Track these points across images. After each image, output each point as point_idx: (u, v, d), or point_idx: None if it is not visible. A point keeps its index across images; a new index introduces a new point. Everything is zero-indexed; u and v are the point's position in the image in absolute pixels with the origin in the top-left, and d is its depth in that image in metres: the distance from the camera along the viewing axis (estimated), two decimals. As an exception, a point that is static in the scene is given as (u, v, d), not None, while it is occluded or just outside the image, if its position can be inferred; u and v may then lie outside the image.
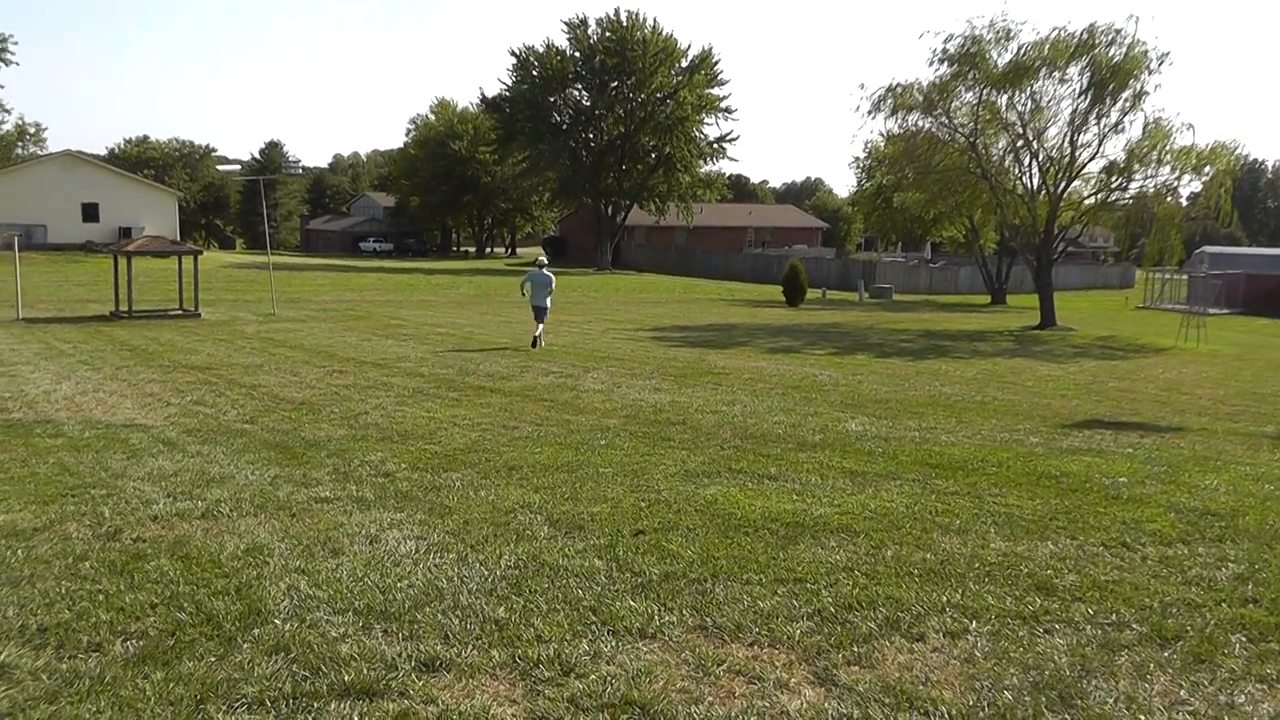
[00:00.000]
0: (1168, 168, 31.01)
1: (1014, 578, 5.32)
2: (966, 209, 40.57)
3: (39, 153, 68.27)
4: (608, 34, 63.09)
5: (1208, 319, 31.89)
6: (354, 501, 6.79)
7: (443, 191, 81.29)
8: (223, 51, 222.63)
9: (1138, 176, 31.73)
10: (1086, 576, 5.37)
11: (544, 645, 4.26)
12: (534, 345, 19.05)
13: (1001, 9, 38.18)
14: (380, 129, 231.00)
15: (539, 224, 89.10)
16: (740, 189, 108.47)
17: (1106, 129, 31.41)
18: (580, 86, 65.56)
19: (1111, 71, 30.06)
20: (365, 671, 3.96)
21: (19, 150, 68.34)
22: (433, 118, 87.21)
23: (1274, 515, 6.93)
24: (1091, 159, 32.41)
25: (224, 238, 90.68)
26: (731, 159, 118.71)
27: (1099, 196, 33.50)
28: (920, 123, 34.02)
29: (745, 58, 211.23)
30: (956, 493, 7.48)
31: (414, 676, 3.95)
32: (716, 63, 65.00)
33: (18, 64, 55.73)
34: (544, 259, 21.24)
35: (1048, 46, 30.81)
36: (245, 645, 4.20)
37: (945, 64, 32.48)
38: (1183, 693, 3.97)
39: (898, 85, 33.48)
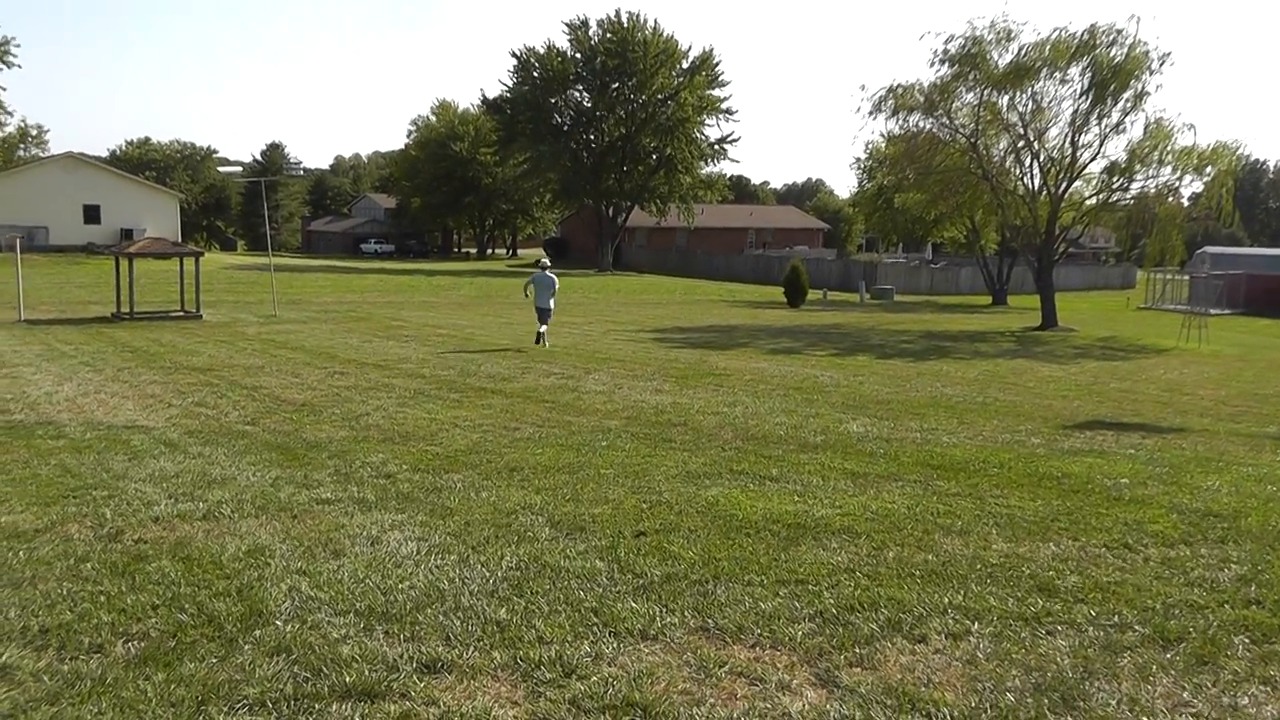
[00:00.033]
0: (1169, 168, 31.00)
1: (1016, 579, 5.31)
2: (967, 210, 40.54)
3: (41, 155, 68.31)
4: (609, 35, 63.12)
5: (1209, 319, 31.87)
6: (355, 503, 6.78)
7: (444, 193, 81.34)
8: (224, 53, 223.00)
9: (1139, 177, 31.72)
10: (1089, 578, 5.36)
11: (545, 647, 4.26)
12: (538, 341, 19.26)
13: (1002, 10, 38.44)
14: (381, 130, 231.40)
15: (540, 225, 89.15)
16: (741, 190, 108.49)
17: (1108, 129, 31.41)
18: (581, 88, 65.59)
19: (1113, 72, 30.03)
20: (366, 673, 3.96)
21: (21, 152, 68.38)
22: (434, 119, 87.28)
23: (1277, 516, 6.92)
24: (1093, 159, 32.42)
25: (225, 239, 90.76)
26: (732, 160, 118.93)
27: (1100, 197, 33.47)
28: (921, 123, 34.01)
29: (746, 59, 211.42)
30: (958, 494, 7.47)
31: (415, 678, 3.95)
32: (717, 64, 65.08)
33: (20, 66, 55.67)
34: (546, 261, 21.29)
35: (1049, 47, 30.79)
36: (246, 646, 4.20)
37: (946, 65, 32.49)
38: (1185, 695, 3.97)
39: (899, 86, 33.47)
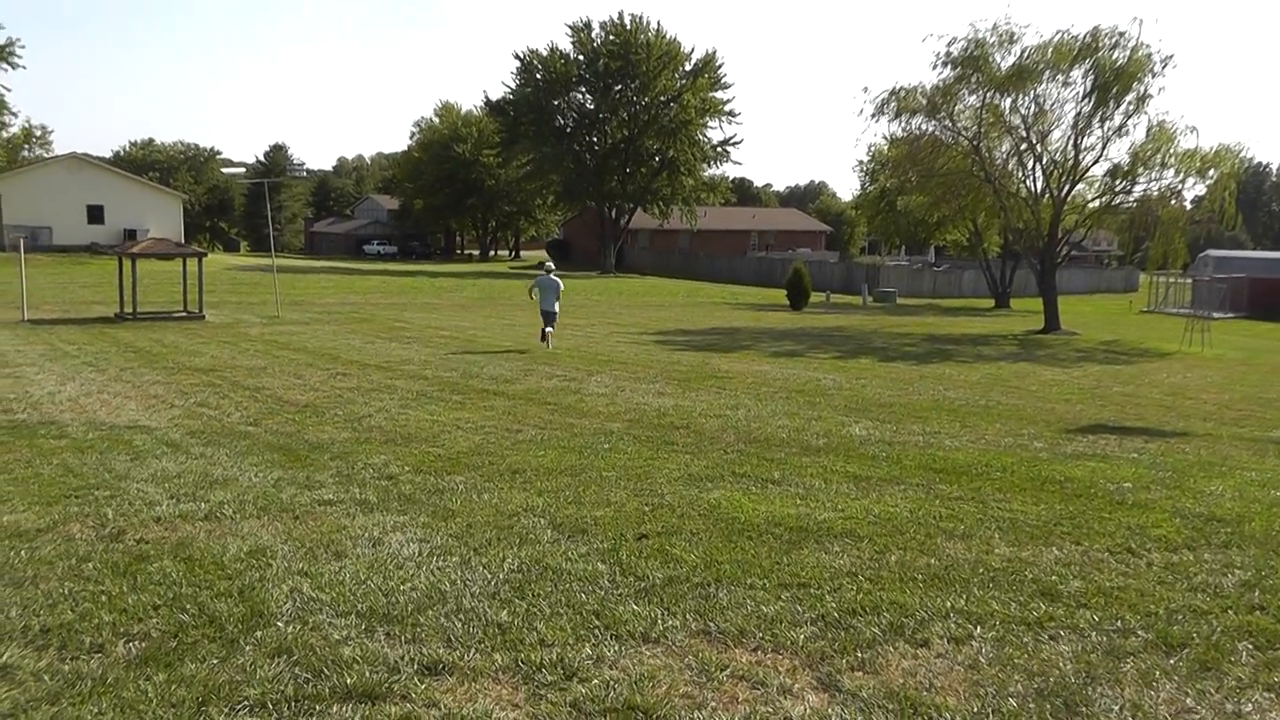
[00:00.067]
0: (1171, 171, 30.99)
1: (1018, 583, 5.30)
2: (970, 212, 40.51)
3: (45, 155, 68.54)
4: (611, 37, 63.15)
5: (1212, 323, 31.83)
6: (357, 504, 6.78)
7: (446, 194, 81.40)
8: (227, 54, 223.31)
9: (1141, 180, 31.68)
10: (1091, 582, 5.35)
11: (547, 649, 4.25)
12: (543, 339, 19.39)
13: (1005, 12, 38.35)
14: (384, 132, 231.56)
15: (543, 227, 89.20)
16: (744, 192, 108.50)
17: (1110, 132, 31.39)
18: (584, 90, 65.63)
19: (1115, 74, 30.00)
20: (367, 674, 3.95)
21: (25, 152, 68.59)
22: (437, 121, 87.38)
23: (1280, 521, 6.90)
24: (1095, 162, 32.39)
25: (228, 240, 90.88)
26: (735, 162, 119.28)
27: (1103, 200, 33.44)
28: (924, 126, 33.98)
29: (749, 61, 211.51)
30: (960, 498, 7.46)
31: (416, 680, 3.94)
32: (720, 66, 65.14)
33: (24, 67, 55.82)
34: (551, 264, 21.37)
35: (1051, 50, 30.76)
36: (247, 647, 4.19)
37: (949, 67, 32.47)
38: (1189, 701, 3.95)
39: (901, 89, 33.43)
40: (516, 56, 65.34)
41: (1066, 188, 32.69)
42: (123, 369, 15.01)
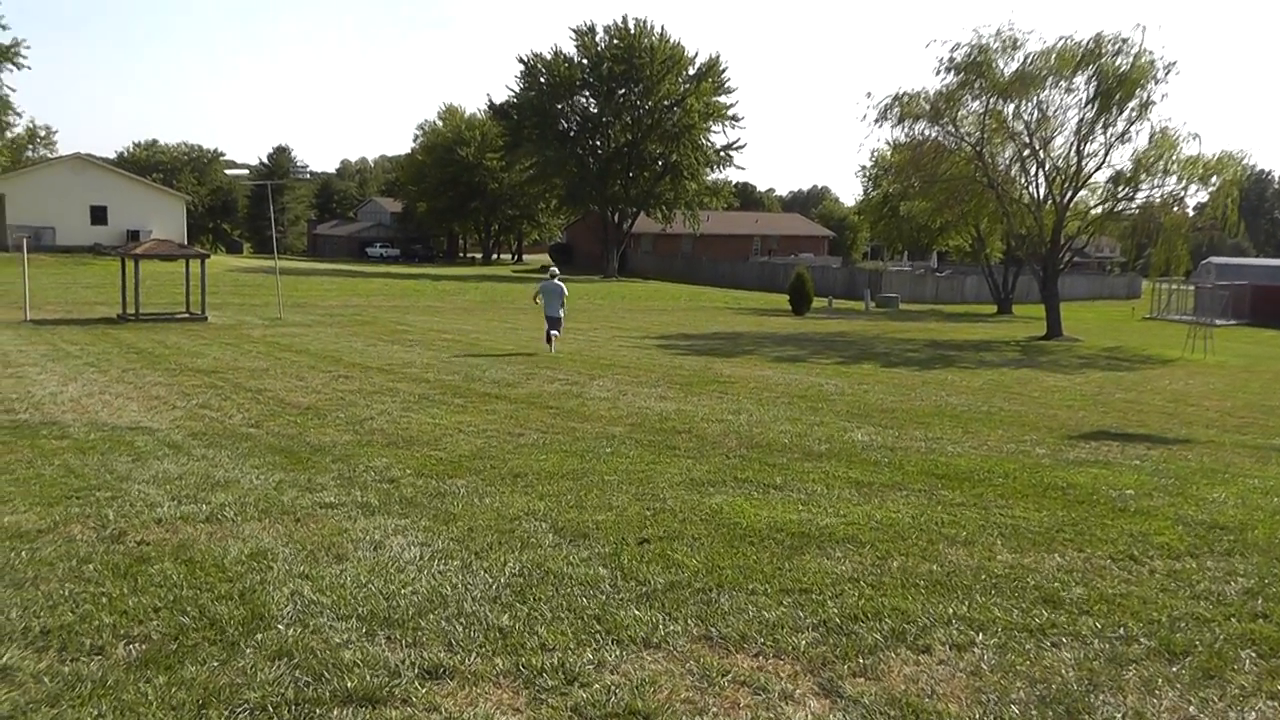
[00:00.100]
0: (1174, 178, 30.98)
1: (1021, 590, 5.29)
2: (973, 218, 40.48)
3: (49, 155, 68.68)
4: (615, 41, 63.24)
5: (1214, 330, 31.79)
6: (358, 507, 6.78)
7: (449, 197, 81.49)
8: (231, 56, 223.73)
9: (1144, 186, 31.68)
10: (1094, 589, 5.33)
11: (548, 654, 4.24)
12: (548, 340, 19.49)
13: (1008, 18, 38.34)
14: (388, 135, 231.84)
15: (545, 231, 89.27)
16: (747, 197, 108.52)
17: (1113, 138, 31.37)
18: (588, 93, 65.72)
19: (1118, 81, 30.00)
20: (368, 678, 3.94)
21: (29, 153, 68.76)
22: (440, 124, 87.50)
23: (1283, 529, 6.88)
24: (1098, 168, 32.39)
25: (231, 242, 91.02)
26: (738, 167, 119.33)
27: (1105, 206, 33.43)
28: (927, 131, 34.00)
29: (752, 66, 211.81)
30: (963, 504, 7.45)
31: (417, 684, 3.93)
32: (723, 70, 65.22)
33: (29, 68, 56.08)
34: (555, 269, 21.46)
35: (1054, 56, 30.78)
36: (248, 650, 4.19)
37: (952, 73, 32.47)
38: (1191, 709, 3.94)
39: (904, 94, 33.47)
40: (520, 60, 65.57)
41: (1069, 194, 32.70)
42: (125, 370, 15.02)
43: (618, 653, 4.29)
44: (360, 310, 31.01)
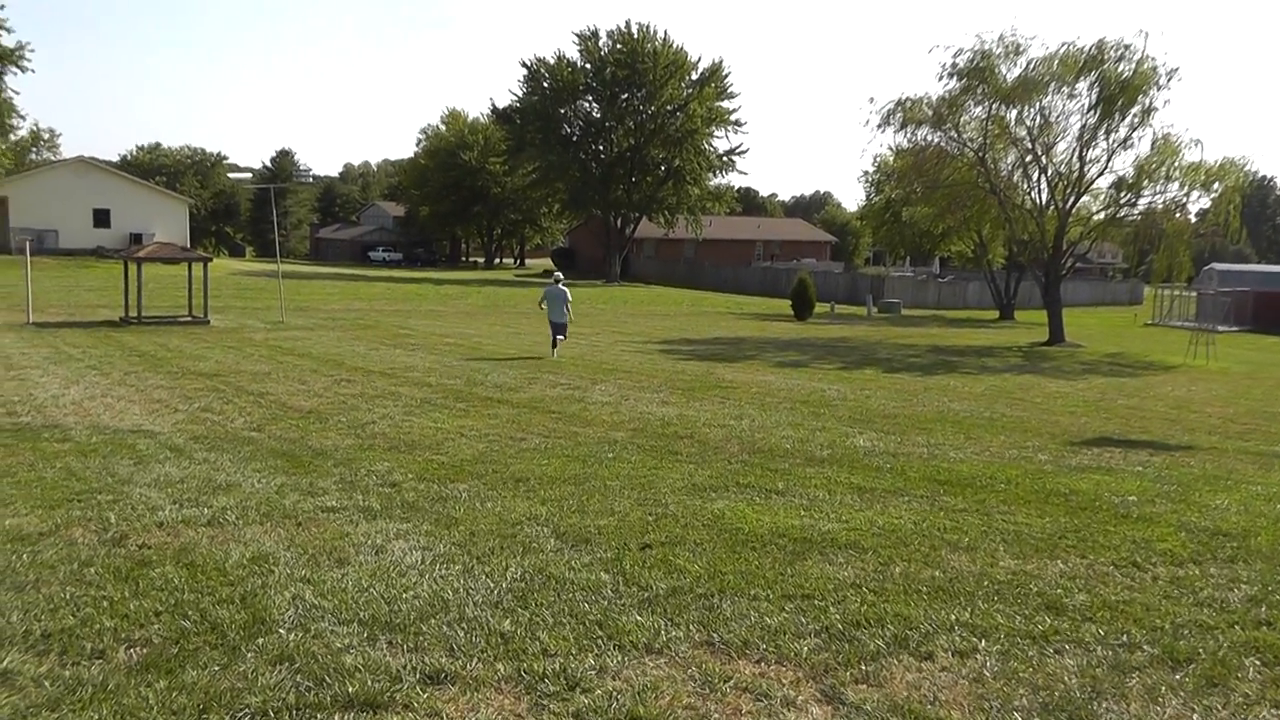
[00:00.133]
0: (1176, 184, 30.95)
1: (1023, 596, 5.27)
2: (975, 224, 40.47)
3: (53, 158, 68.76)
4: (618, 46, 63.29)
5: (1217, 336, 31.76)
6: (360, 511, 6.77)
7: (452, 202, 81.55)
8: (235, 60, 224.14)
9: (1146, 192, 31.66)
10: (1097, 596, 5.32)
11: (549, 659, 4.24)
12: (554, 345, 19.66)
13: (1011, 24, 38.38)
14: (391, 139, 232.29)
15: (548, 235, 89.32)
16: (749, 202, 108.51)
17: (1115, 144, 31.38)
18: (590, 98, 65.75)
19: (1120, 87, 30.01)
20: (369, 683, 3.94)
21: (33, 155, 68.84)
22: (443, 128, 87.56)
23: (1286, 536, 6.86)
24: (1100, 174, 32.38)
25: (234, 245, 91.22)
26: (741, 172, 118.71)
27: (1107, 212, 33.43)
28: (929, 137, 33.99)
29: (755, 71, 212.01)
30: (965, 510, 7.44)
31: (418, 689, 3.93)
32: (726, 75, 65.26)
33: (33, 71, 56.15)
34: (559, 274, 21.57)
35: (1057, 62, 30.79)
36: (249, 655, 4.18)
37: (954, 78, 32.48)
38: (1195, 717, 3.93)
39: (907, 99, 33.47)
40: (524, 65, 65.54)
41: (1071, 200, 32.68)
42: (127, 373, 15.02)
43: (619, 658, 4.29)
44: (362, 314, 31.03)
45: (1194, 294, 43.16)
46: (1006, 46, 31.59)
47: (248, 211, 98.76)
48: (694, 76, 64.39)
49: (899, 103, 33.45)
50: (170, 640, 4.33)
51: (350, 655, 4.20)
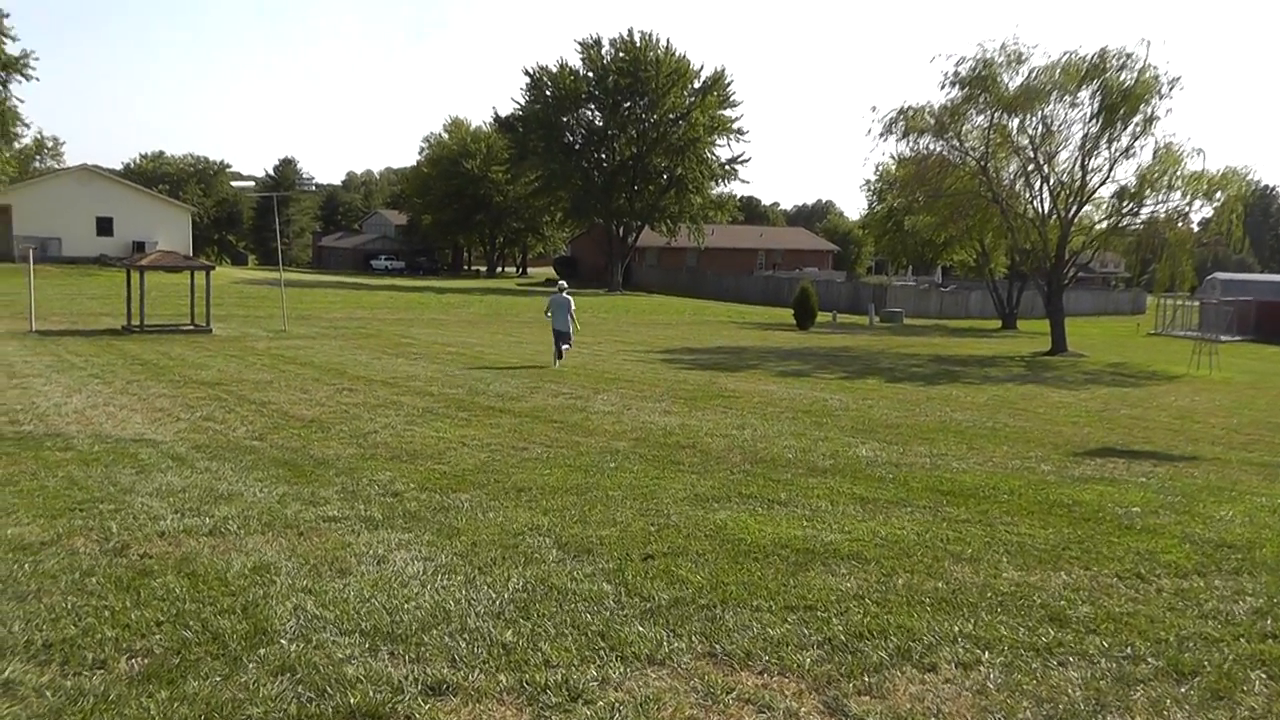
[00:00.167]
0: (1179, 193, 30.98)
1: (1027, 608, 5.26)
2: (977, 233, 40.51)
3: (56, 166, 68.96)
4: (621, 54, 63.46)
5: (1220, 346, 31.72)
6: (362, 521, 6.76)
7: (455, 210, 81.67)
8: (238, 68, 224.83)
9: (1149, 201, 31.68)
10: (1101, 608, 5.30)
11: (551, 670, 4.22)
12: (556, 353, 19.77)
13: (1013, 32, 38.43)
14: (394, 147, 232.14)
15: (550, 244, 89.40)
16: (751, 211, 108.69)
17: (1117, 153, 31.40)
18: (593, 106, 65.91)
19: (1122, 96, 30.04)
20: (371, 694, 3.92)
21: (36, 163, 69.04)
22: (446, 136, 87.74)
23: (1290, 548, 6.84)
24: (1102, 183, 32.41)
25: (236, 253, 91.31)
26: (743, 181, 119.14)
27: (1110, 221, 33.45)
28: (931, 146, 34.06)
29: (757, 79, 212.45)
30: (968, 520, 7.42)
31: (420, 700, 3.92)
32: (729, 84, 65.38)
33: (38, 79, 56.38)
34: (564, 282, 21.75)
35: (1059, 70, 30.83)
36: (251, 665, 4.17)
37: (956, 87, 32.54)
38: (1200, 729, 3.91)
39: (909, 108, 33.51)
40: (526, 73, 65.77)
41: (1074, 209, 32.70)
42: (129, 381, 15.03)
43: (622, 669, 4.27)
44: (364, 323, 31.05)
45: (1197, 303, 43.13)
46: (1008, 55, 31.67)
47: (250, 220, 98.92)
48: (696, 85, 64.53)
49: (901, 111, 33.53)
50: (172, 650, 4.32)
51: (352, 666, 4.19)
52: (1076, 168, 32.15)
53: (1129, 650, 4.68)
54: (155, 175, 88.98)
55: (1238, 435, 14.83)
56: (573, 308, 20.10)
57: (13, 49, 44.80)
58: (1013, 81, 31.73)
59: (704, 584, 5.46)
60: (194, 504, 7.10)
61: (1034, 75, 31.29)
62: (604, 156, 66.21)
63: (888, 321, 47.74)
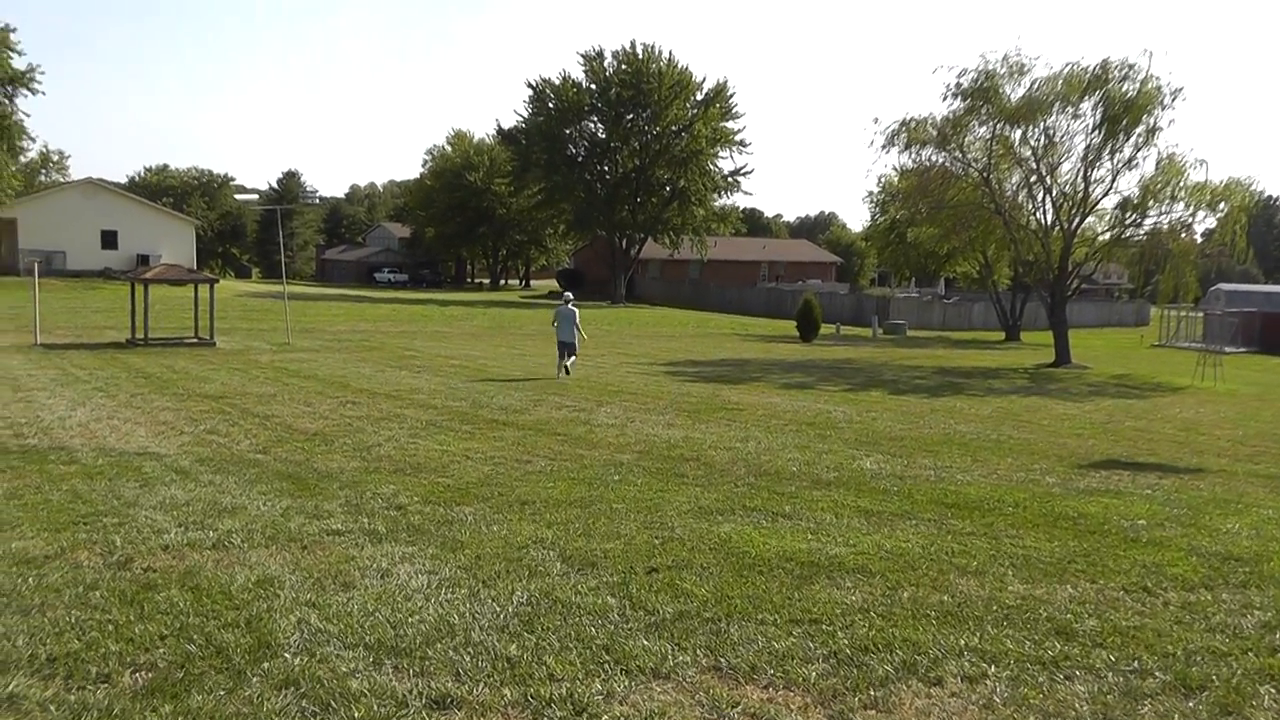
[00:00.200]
0: (1182, 204, 30.94)
1: (1033, 621, 5.23)
2: (980, 244, 40.53)
3: (61, 180, 69.22)
4: (623, 66, 63.64)
5: (1224, 357, 31.67)
6: (366, 534, 6.76)
7: (458, 223, 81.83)
8: (242, 82, 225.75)
9: (1151, 213, 31.65)
10: (1107, 621, 5.28)
11: (556, 684, 4.21)
12: (568, 371, 19.95)
13: (1015, 44, 38.52)
14: (397, 160, 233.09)
15: (553, 256, 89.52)
16: (754, 223, 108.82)
17: (1120, 164, 31.39)
18: (596, 119, 66.06)
19: (1125, 107, 30.06)
20: (375, 708, 3.91)
21: (42, 177, 69.34)
22: (449, 149, 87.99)
23: (1297, 560, 6.81)
24: (1105, 195, 32.39)
25: (240, 266, 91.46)
26: (746, 193, 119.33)
27: (1113, 233, 33.43)
28: (934, 157, 34.07)
29: (760, 91, 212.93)
30: (973, 533, 7.40)
31: (424, 714, 3.90)
32: (731, 96, 65.52)
33: (44, 93, 56.75)
34: (569, 294, 21.93)
35: (1061, 81, 30.86)
36: (255, 679, 4.16)
37: (959, 98, 32.58)
38: (1209, 744, 3.88)
39: (911, 120, 33.55)
40: (529, 85, 65.91)
41: (1076, 220, 32.69)
42: (133, 395, 15.05)
43: (626, 683, 4.26)
44: (368, 335, 31.09)
45: (1201, 315, 43.11)
46: (1011, 66, 31.72)
47: (254, 233, 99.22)
48: (699, 97, 64.68)
49: (903, 123, 33.56)
50: (175, 664, 4.31)
51: (356, 680, 4.18)
52: (1079, 179, 32.19)
53: (1136, 664, 4.66)
54: (160, 188, 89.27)
55: (1243, 447, 14.78)
56: (578, 319, 20.23)
57: (19, 63, 45.08)
58: (1015, 93, 31.80)
59: (709, 597, 5.44)
60: (198, 517, 7.10)
61: (1036, 86, 31.35)
62: (607, 169, 66.34)
63: (891, 333, 47.73)
